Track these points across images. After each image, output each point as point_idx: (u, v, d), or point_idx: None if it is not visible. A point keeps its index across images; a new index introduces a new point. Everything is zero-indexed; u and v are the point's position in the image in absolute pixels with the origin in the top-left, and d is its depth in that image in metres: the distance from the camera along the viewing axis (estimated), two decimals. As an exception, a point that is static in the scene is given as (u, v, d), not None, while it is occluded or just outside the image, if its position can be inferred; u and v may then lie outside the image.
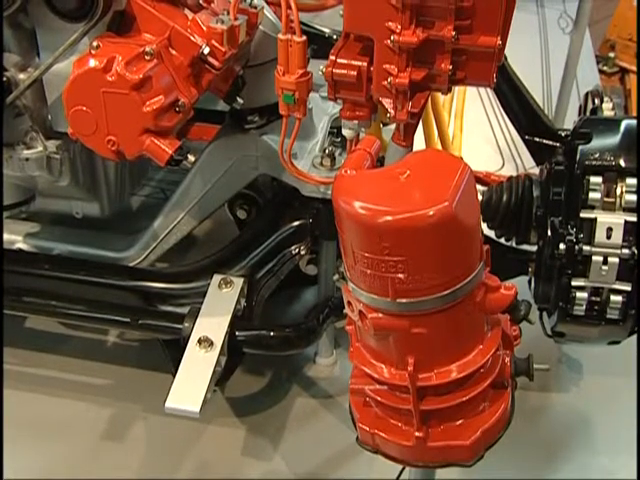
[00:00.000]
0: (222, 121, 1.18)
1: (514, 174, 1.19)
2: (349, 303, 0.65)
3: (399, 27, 0.76)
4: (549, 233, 1.05)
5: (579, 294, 1.02)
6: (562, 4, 2.45)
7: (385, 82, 0.81)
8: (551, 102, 1.92)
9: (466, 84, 0.83)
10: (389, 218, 0.56)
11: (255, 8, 1.00)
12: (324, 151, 1.13)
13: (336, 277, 0.69)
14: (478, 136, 1.82)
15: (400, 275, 0.58)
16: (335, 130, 1.22)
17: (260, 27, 1.05)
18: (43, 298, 1.12)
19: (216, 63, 0.91)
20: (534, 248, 1.14)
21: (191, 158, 0.89)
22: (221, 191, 1.20)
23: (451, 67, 0.79)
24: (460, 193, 0.57)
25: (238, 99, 1.06)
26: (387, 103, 0.83)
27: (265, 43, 1.08)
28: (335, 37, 1.42)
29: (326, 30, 1.47)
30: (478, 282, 0.62)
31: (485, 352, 0.65)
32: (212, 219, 1.30)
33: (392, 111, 0.83)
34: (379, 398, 0.67)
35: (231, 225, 1.38)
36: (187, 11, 0.94)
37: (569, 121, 1.75)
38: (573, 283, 1.01)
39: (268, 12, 1.08)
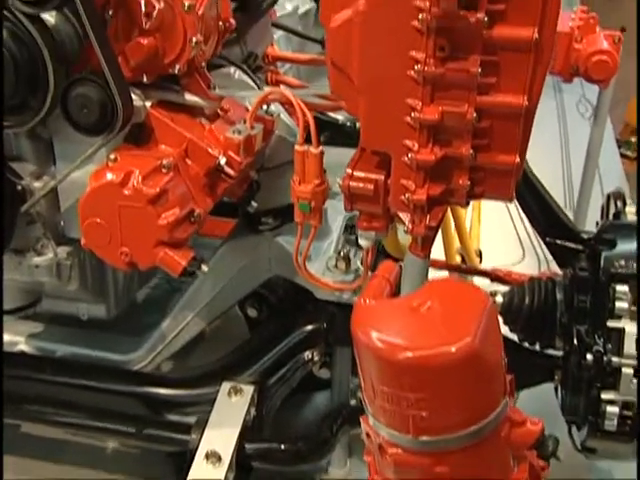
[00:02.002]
0: (235, 213, 1.22)
1: (535, 270, 1.22)
2: (368, 435, 0.66)
3: (416, 145, 0.81)
4: (575, 342, 1.06)
5: (610, 408, 1.01)
6: (581, 88, 2.52)
7: (403, 197, 0.85)
8: (572, 193, 1.97)
9: (485, 198, 0.87)
10: (409, 354, 0.58)
11: (271, 115, 1.07)
12: (339, 253, 1.17)
13: (354, 402, 0.70)
14: (497, 226, 1.86)
15: (421, 412, 0.60)
16: (349, 227, 1.26)
17: (276, 131, 1.11)
18: (43, 405, 1.13)
19: (232, 173, 0.96)
20: (559, 352, 1.15)
21: (204, 268, 0.93)
22: (233, 292, 1.23)
23: (469, 183, 0.84)
24: (483, 328, 0.59)
25: (252, 203, 1.11)
26: (405, 217, 0.87)
27: (280, 146, 1.14)
28: (348, 124, 1.49)
29: (339, 117, 1.54)
30: (503, 417, 0.63)
31: (512, 490, 0.65)
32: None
33: (410, 225, 0.87)
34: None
35: (240, 321, 1.40)
36: (204, 120, 1.01)
37: (593, 212, 1.78)
38: (603, 396, 1.01)
39: (284, 115, 1.14)
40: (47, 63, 0.85)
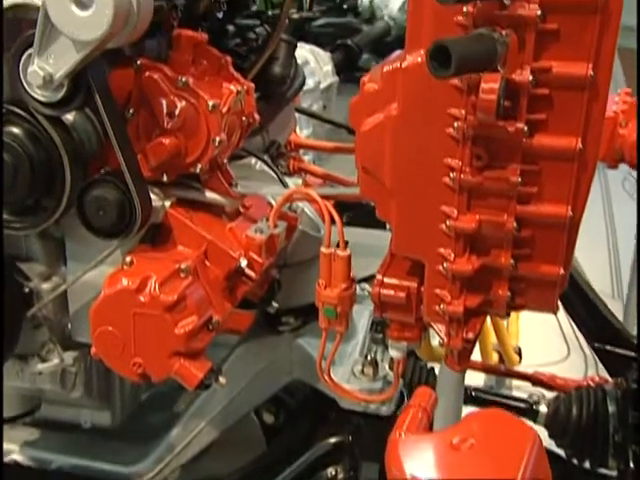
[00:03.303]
0: (252, 303, 1.24)
1: (581, 370, 1.21)
2: None
3: (452, 254, 0.84)
4: (631, 465, 1.05)
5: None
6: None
7: (437, 307, 0.87)
8: (620, 281, 1.97)
9: (527, 310, 0.89)
10: (450, 500, 0.59)
11: (295, 212, 1.11)
12: (365, 357, 1.18)
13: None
14: (537, 319, 1.85)
15: None
16: (376, 324, 1.28)
17: (299, 226, 1.15)
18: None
19: (253, 275, 0.99)
20: (613, 472, 1.14)
21: (222, 381, 0.95)
22: (249, 398, 1.24)
23: (509, 294, 0.86)
24: (530, 471, 0.60)
25: (273, 303, 1.13)
26: (439, 328, 0.89)
27: (303, 241, 1.17)
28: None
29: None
30: None
31: None
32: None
33: (445, 337, 0.89)
34: None
35: (254, 426, 1.40)
36: (224, 217, 1.05)
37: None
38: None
39: (307, 209, 1.19)
40: (65, 164, 0.90)
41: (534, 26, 0.72)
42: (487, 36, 0.71)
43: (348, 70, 3.16)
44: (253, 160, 1.23)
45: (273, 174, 1.20)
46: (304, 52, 2.19)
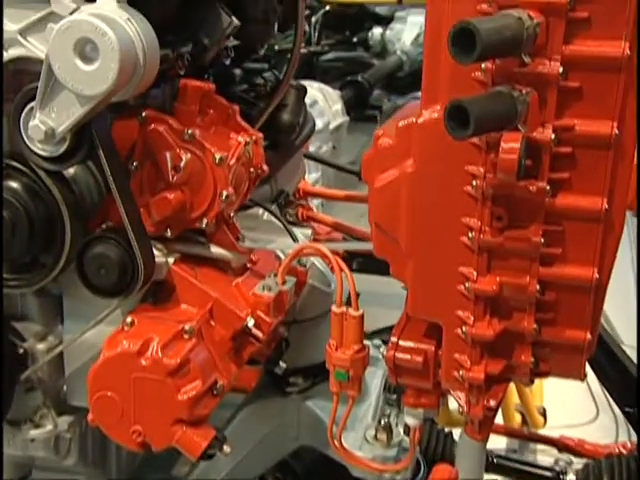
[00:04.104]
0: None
1: (612, 433, 1.20)
2: None
3: (471, 318, 0.85)
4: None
5: None
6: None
7: (456, 373, 0.88)
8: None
9: (552, 376, 0.89)
10: None
11: (304, 266, 1.12)
12: (379, 421, 1.18)
13: None
14: (563, 375, 1.85)
15: None
16: (389, 386, 1.28)
17: (309, 280, 1.16)
18: None
19: (260, 335, 1.00)
20: None
21: (227, 450, 0.95)
22: (254, 464, 1.24)
23: (533, 360, 0.86)
24: None
25: (280, 363, 1.14)
26: (459, 396, 0.89)
27: (313, 297, 1.18)
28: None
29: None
30: None
31: None
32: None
33: (465, 405, 0.89)
34: None
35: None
36: (230, 273, 1.06)
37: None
38: None
39: (317, 262, 1.20)
40: (65, 220, 0.92)
41: (556, 84, 0.73)
42: (506, 94, 0.73)
43: (358, 108, 3.23)
44: (260, 210, 1.24)
45: (280, 224, 1.21)
46: (313, 90, 2.24)
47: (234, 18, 1.00)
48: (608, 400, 1.81)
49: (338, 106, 2.33)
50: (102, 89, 0.82)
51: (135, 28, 0.83)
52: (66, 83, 0.83)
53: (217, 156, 0.95)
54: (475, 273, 0.83)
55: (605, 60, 0.72)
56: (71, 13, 0.83)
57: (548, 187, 0.77)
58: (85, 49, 0.82)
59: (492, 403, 0.89)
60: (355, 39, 4.14)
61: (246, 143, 1.02)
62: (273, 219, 1.23)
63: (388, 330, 1.50)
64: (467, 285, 0.83)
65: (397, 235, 0.87)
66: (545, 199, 0.78)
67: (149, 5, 0.90)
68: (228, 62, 1.18)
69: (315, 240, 1.33)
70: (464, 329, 0.85)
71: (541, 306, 0.83)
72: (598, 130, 0.75)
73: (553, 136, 0.75)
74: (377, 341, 1.32)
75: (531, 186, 0.78)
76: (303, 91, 1.24)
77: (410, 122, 0.84)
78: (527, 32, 0.70)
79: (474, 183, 0.80)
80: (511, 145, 0.73)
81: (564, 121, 0.75)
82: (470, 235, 0.82)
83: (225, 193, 0.96)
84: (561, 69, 0.73)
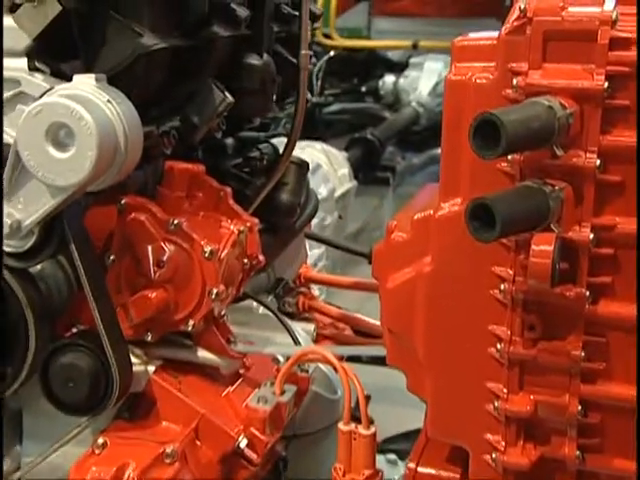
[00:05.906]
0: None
1: None
2: None
3: (502, 442, 0.84)
4: None
5: None
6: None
7: (489, 504, 0.87)
8: None
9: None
10: None
11: (306, 371, 1.12)
12: None
13: None
14: None
15: None
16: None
17: (311, 387, 1.16)
18: None
19: (254, 457, 0.99)
20: None
21: None
22: None
23: (577, 492, 0.85)
24: None
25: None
26: (491, 533, 0.88)
27: (316, 406, 1.18)
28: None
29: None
30: None
31: None
32: None
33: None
34: None
35: None
36: (221, 382, 1.06)
37: None
38: None
39: (323, 366, 1.20)
40: (29, 325, 0.93)
41: (593, 178, 0.75)
42: (537, 190, 0.74)
43: (368, 169, 3.26)
44: (254, 302, 1.25)
45: (277, 320, 1.22)
46: (315, 152, 2.27)
47: (228, 94, 1.02)
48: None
49: (344, 170, 2.36)
50: (77, 179, 0.84)
51: (116, 110, 0.86)
52: (36, 172, 0.85)
53: (207, 249, 0.96)
54: (505, 390, 0.83)
55: (647, 149, 0.74)
56: (43, 94, 0.86)
57: (588, 293, 0.78)
58: (59, 135, 0.84)
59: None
60: (364, 88, 4.22)
61: (239, 232, 1.03)
62: (269, 313, 1.24)
63: (405, 438, 1.49)
64: (496, 404, 0.83)
65: (413, 343, 0.87)
66: (585, 307, 0.78)
67: (131, 80, 0.93)
68: (220, 135, 1.21)
69: (318, 335, 1.33)
70: (494, 456, 0.84)
71: (584, 430, 0.83)
72: (643, 229, 0.76)
73: (592, 236, 0.76)
74: (391, 455, 1.31)
75: (568, 292, 0.78)
76: (305, 167, 1.26)
77: (427, 215, 0.85)
78: (559, 122, 0.71)
79: (502, 287, 0.80)
80: (543, 248, 0.74)
81: (604, 219, 0.76)
82: (499, 346, 0.82)
83: (215, 291, 0.97)
84: (598, 161, 0.74)
